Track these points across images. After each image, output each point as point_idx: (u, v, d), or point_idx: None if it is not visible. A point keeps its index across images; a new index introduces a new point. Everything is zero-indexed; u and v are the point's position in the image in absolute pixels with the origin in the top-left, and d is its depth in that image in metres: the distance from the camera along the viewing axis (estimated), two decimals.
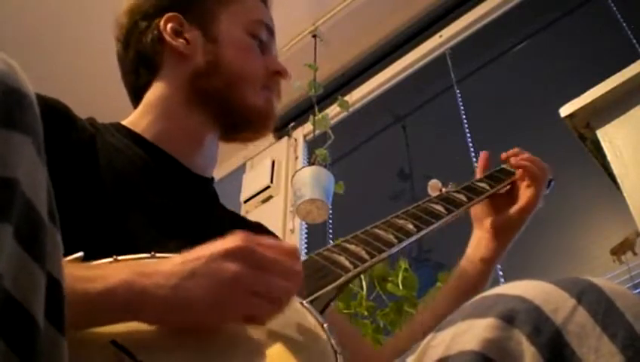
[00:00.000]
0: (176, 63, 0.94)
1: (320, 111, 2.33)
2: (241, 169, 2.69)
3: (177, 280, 0.54)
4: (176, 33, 0.94)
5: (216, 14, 0.96)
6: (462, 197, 1.00)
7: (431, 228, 0.89)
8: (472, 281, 0.99)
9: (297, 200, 1.97)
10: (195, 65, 0.93)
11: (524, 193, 1.03)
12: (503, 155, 1.11)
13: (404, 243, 0.83)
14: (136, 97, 0.98)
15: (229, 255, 0.56)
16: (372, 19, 2.59)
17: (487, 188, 1.04)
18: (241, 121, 0.94)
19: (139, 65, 0.96)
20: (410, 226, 0.86)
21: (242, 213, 2.54)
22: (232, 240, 0.57)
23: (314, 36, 2.56)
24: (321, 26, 2.57)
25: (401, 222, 0.87)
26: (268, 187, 2.52)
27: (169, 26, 0.94)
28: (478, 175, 1.10)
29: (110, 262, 0.57)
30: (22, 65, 0.44)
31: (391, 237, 0.82)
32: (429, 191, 1.02)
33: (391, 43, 2.64)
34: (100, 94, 2.39)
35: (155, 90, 0.95)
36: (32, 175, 0.41)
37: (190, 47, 0.93)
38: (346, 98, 2.42)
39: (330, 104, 2.51)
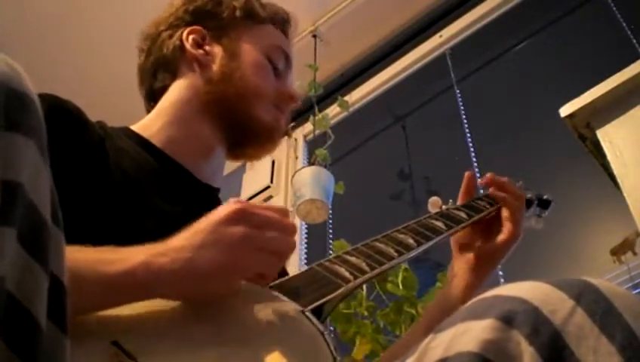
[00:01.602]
0: (193, 71, 0.97)
1: (320, 111, 2.34)
2: (241, 169, 2.69)
3: (189, 253, 0.59)
4: (197, 44, 0.98)
5: (239, 34, 1.00)
6: (462, 214, 1.00)
7: (431, 243, 0.90)
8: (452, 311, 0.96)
9: (297, 200, 1.97)
10: (210, 73, 0.96)
11: (505, 225, 1.00)
12: (482, 182, 1.08)
13: (404, 258, 0.84)
14: (150, 100, 1.01)
15: (231, 219, 0.61)
16: (372, 19, 2.59)
17: (487, 206, 1.04)
18: (246, 132, 0.96)
19: (157, 70, 1.00)
20: (411, 241, 0.88)
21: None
22: (229, 206, 0.62)
23: (314, 36, 2.56)
24: (321, 26, 2.57)
25: (401, 236, 0.88)
26: (268, 187, 2.52)
27: (191, 37, 0.99)
28: (461, 196, 1.08)
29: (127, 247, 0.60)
30: (23, 66, 0.44)
31: (391, 250, 0.83)
32: (430, 207, 1.03)
33: (391, 43, 2.65)
34: (102, 97, 2.40)
35: (170, 95, 0.98)
36: (35, 178, 0.41)
37: (208, 57, 0.97)
38: (346, 98, 2.42)
39: (330, 104, 2.51)
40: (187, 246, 0.59)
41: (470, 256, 1.00)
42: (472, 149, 2.13)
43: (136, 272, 0.56)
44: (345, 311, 1.60)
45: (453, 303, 0.94)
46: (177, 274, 0.57)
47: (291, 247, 0.64)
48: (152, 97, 1.00)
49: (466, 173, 1.09)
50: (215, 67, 0.96)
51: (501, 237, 0.99)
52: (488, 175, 1.06)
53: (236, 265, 0.60)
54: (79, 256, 0.54)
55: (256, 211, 0.62)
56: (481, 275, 0.99)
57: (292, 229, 0.65)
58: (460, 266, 1.00)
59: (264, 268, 0.63)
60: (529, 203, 1.14)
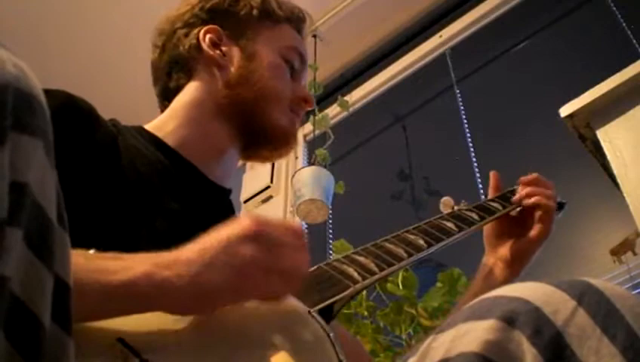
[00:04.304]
0: (210, 72, 0.96)
1: (320, 111, 2.34)
2: (241, 169, 2.69)
3: (197, 269, 0.56)
4: (214, 44, 0.97)
5: (255, 35, 0.98)
6: (474, 215, 1.00)
7: (441, 244, 0.89)
8: None
9: (297, 200, 1.97)
10: (228, 75, 0.95)
11: (537, 223, 1.02)
12: (523, 180, 1.09)
13: (414, 259, 0.84)
14: (164, 99, 1.00)
15: (243, 238, 0.58)
16: (372, 19, 2.59)
17: (500, 208, 1.04)
18: (262, 136, 0.95)
19: (172, 69, 0.98)
20: (421, 242, 0.87)
21: (242, 213, 2.54)
22: (242, 224, 0.60)
23: (314, 36, 2.56)
24: (321, 26, 2.57)
25: (411, 237, 0.87)
26: (268, 187, 2.52)
27: (208, 36, 0.97)
28: (491, 195, 1.10)
29: (130, 254, 0.58)
30: (28, 64, 0.44)
31: (401, 251, 0.83)
32: (441, 208, 1.03)
33: (391, 43, 2.65)
34: (107, 95, 2.39)
35: (185, 95, 0.96)
36: (41, 178, 0.41)
37: (225, 59, 0.96)
38: (346, 98, 2.42)
39: (330, 104, 2.52)
40: (196, 261, 0.57)
41: (504, 251, 1.02)
42: (472, 149, 2.13)
43: (138, 283, 0.54)
44: (345, 311, 1.60)
45: None
46: (181, 290, 0.55)
47: (304, 269, 0.62)
48: (167, 96, 0.99)
49: (492, 173, 1.12)
50: (233, 69, 0.95)
51: (533, 233, 1.01)
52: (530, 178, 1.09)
53: (244, 287, 0.58)
54: (81, 263, 0.52)
55: (269, 231, 0.60)
56: (517, 270, 1.02)
57: (303, 251, 0.63)
58: (495, 262, 1.03)
59: (274, 291, 0.61)
60: None
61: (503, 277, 1.01)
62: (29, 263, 0.39)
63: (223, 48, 0.96)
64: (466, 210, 1.02)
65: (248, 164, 2.73)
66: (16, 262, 0.38)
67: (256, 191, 2.54)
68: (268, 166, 2.56)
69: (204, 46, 0.96)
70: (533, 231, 1.01)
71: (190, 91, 0.96)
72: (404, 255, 0.82)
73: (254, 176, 2.61)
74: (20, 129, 0.40)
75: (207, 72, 0.96)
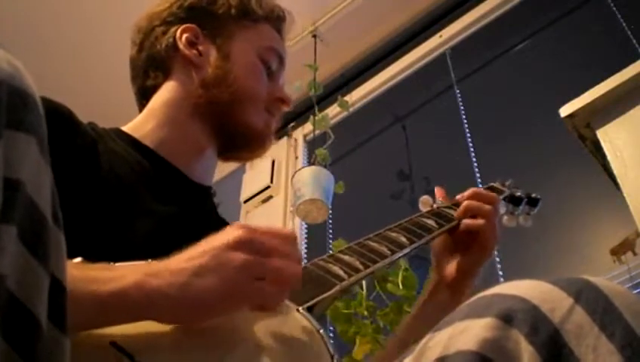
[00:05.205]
0: (186, 72, 0.95)
1: (320, 111, 2.34)
2: (241, 169, 2.69)
3: (187, 278, 0.56)
4: (191, 44, 0.96)
5: (232, 34, 0.98)
6: (452, 212, 1.01)
7: (423, 241, 0.91)
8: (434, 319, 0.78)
9: (297, 200, 1.97)
10: (204, 75, 0.94)
11: (477, 241, 0.97)
12: (461, 198, 1.03)
13: (397, 256, 0.86)
14: (142, 98, 1.00)
15: (233, 246, 0.58)
16: (372, 19, 2.59)
17: None
18: (238, 137, 0.96)
19: (149, 67, 0.98)
20: (403, 239, 0.89)
21: (242, 213, 2.54)
22: (233, 231, 0.59)
23: (314, 36, 2.56)
24: (321, 26, 2.57)
25: (394, 234, 0.89)
26: (268, 187, 2.52)
27: (185, 35, 0.96)
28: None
29: (120, 264, 0.57)
30: (24, 65, 0.44)
31: (384, 249, 0.85)
32: (420, 206, 1.04)
33: (391, 43, 2.64)
34: (99, 98, 2.40)
35: (161, 95, 0.96)
36: (36, 176, 0.41)
37: (202, 58, 0.95)
38: (346, 98, 2.42)
39: (330, 104, 2.51)
40: (186, 269, 0.56)
41: (447, 270, 0.98)
42: (472, 149, 2.13)
43: (129, 292, 0.53)
44: (345, 311, 1.60)
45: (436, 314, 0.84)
46: (171, 299, 0.55)
47: (295, 277, 0.61)
48: (144, 95, 0.99)
49: (436, 189, 1.07)
50: (209, 69, 0.94)
51: (473, 250, 0.97)
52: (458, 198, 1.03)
53: (236, 296, 0.57)
54: (72, 274, 0.50)
55: (259, 238, 0.59)
56: (459, 290, 0.96)
57: (298, 257, 0.62)
58: (438, 281, 0.99)
59: (264, 299, 0.59)
60: (518, 200, 1.15)
61: (443, 297, 0.96)
62: (24, 261, 0.39)
63: (200, 48, 0.96)
64: (445, 207, 1.03)
65: (248, 164, 2.73)
66: (11, 260, 0.37)
67: (256, 191, 2.54)
68: (268, 166, 2.57)
69: (181, 45, 0.96)
70: (474, 248, 0.96)
71: (167, 91, 0.96)
72: (388, 252, 0.84)
73: (254, 176, 2.61)
74: (14, 126, 0.40)
75: (183, 71, 0.96)
